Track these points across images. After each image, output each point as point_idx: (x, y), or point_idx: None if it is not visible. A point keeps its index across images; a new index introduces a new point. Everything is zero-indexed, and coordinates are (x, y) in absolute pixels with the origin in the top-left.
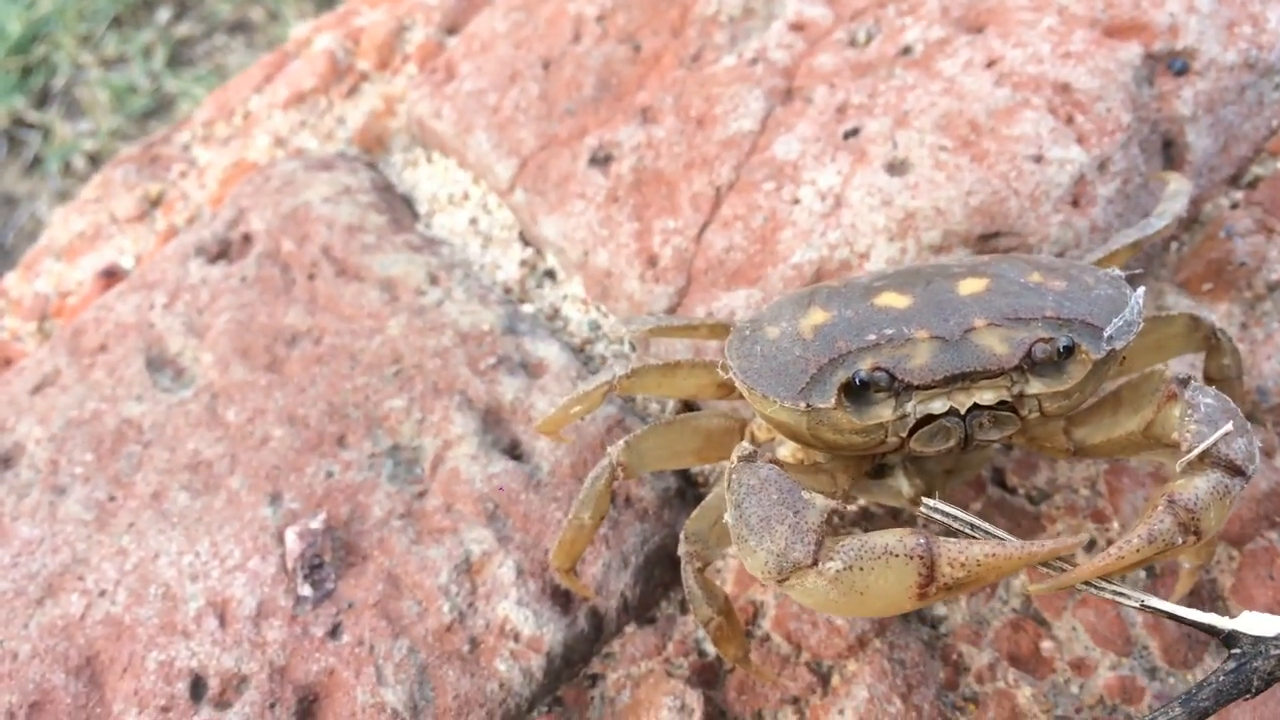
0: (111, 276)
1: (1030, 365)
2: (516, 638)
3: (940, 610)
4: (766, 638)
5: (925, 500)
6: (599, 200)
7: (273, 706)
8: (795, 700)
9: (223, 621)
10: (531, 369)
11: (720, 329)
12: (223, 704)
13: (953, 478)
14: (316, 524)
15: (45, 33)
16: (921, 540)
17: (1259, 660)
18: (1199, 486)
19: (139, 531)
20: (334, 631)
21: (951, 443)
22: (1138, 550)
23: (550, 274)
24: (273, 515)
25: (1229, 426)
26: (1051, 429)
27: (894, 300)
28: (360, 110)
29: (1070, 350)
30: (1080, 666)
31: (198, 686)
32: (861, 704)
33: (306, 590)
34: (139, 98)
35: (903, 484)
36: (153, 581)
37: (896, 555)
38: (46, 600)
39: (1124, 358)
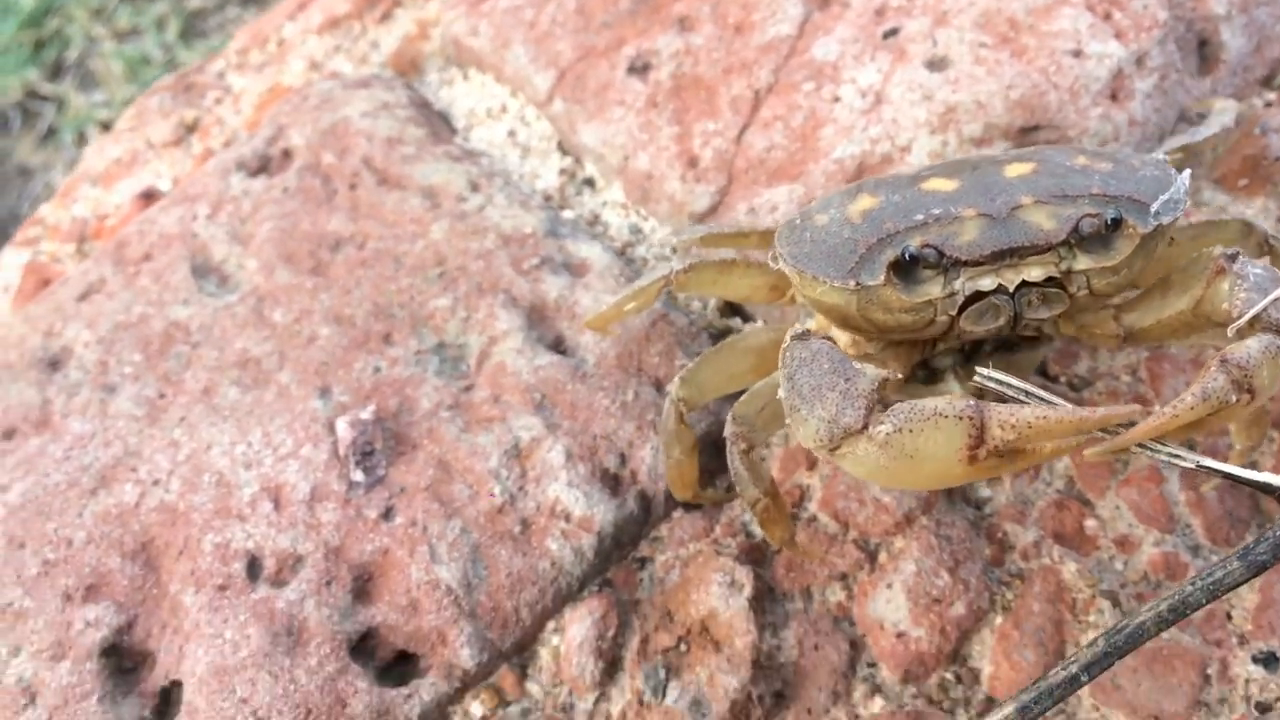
0: (149, 199)
1: (1078, 240)
2: (567, 518)
3: (985, 491)
4: (813, 519)
5: (979, 369)
6: (638, 106)
7: (329, 584)
8: (843, 576)
9: (277, 505)
10: (574, 269)
11: (770, 235)
12: (279, 582)
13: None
14: (366, 415)
15: (58, 6)
16: (972, 402)
17: None
18: (1251, 346)
19: (190, 424)
20: (387, 514)
21: (1001, 321)
22: (1192, 409)
23: (589, 182)
24: (323, 407)
25: (1279, 292)
26: (1101, 315)
27: (941, 185)
28: (394, 35)
29: (1117, 224)
30: (1124, 544)
31: (254, 566)
32: (909, 578)
33: (359, 476)
34: (153, 68)
35: (954, 387)
36: (206, 470)
37: (946, 416)
38: (100, 490)
39: (1171, 238)
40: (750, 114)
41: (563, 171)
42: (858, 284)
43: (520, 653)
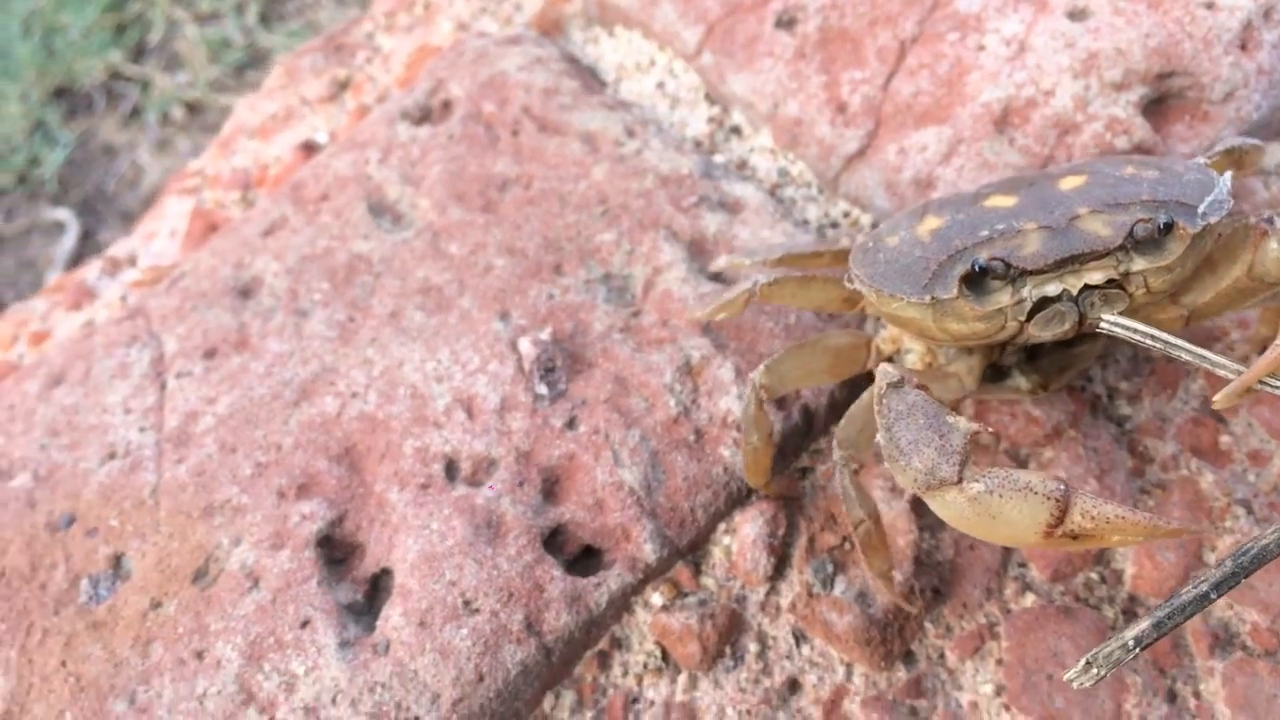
0: (309, 150)
1: (1133, 244)
2: (738, 428)
3: (1125, 409)
4: None
5: (1105, 317)
6: (787, 57)
7: (521, 484)
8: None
9: (470, 414)
10: (730, 207)
11: (842, 254)
12: (475, 483)
13: (1064, 373)
14: (545, 335)
15: None
16: (1061, 486)
17: None
18: None
19: (381, 344)
20: (571, 423)
21: (1067, 325)
22: None
23: (736, 130)
24: (504, 329)
25: None
26: (1161, 303)
27: (1001, 201)
28: None
29: (1169, 226)
30: (1256, 457)
31: (451, 468)
32: None
33: (543, 389)
34: (234, 51)
35: (1020, 381)
36: (400, 384)
37: (1036, 492)
38: (302, 402)
39: (1219, 234)
40: (896, 63)
41: (710, 120)
42: (933, 298)
43: (694, 551)
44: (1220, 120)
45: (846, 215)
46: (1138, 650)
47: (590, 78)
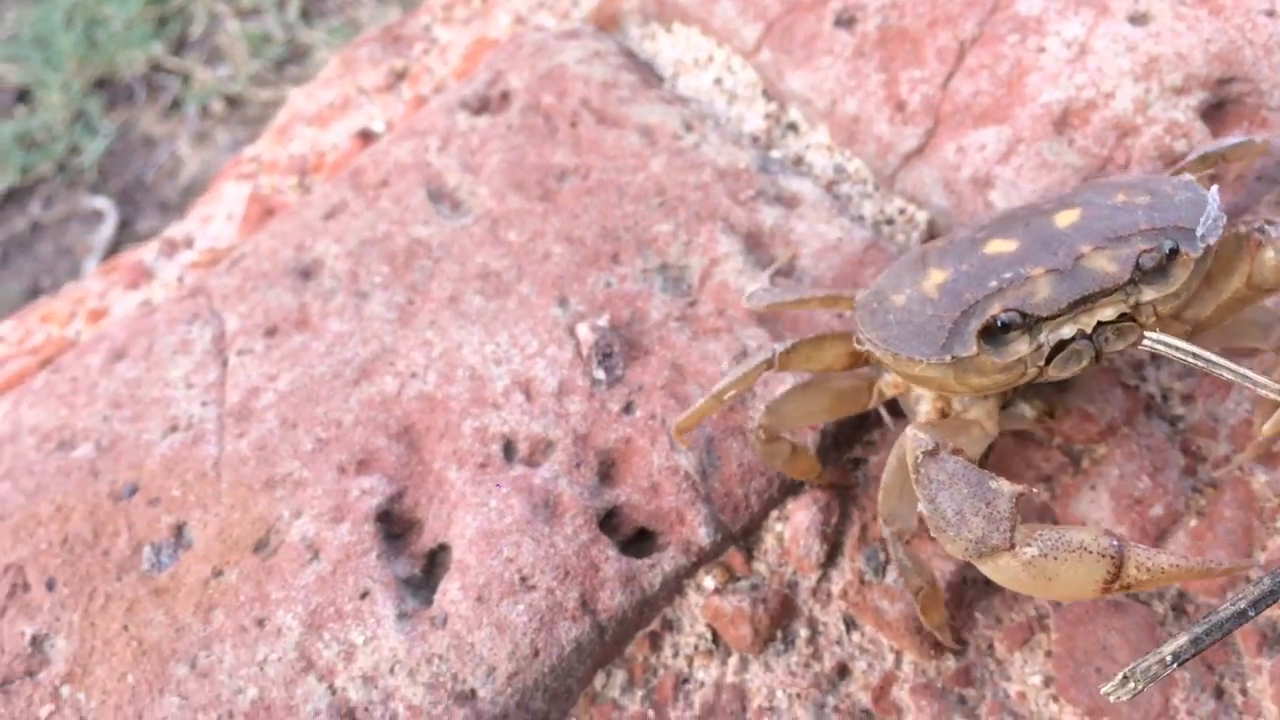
0: (366, 137)
1: (1140, 276)
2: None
3: (1178, 409)
4: None
5: (1148, 334)
6: (846, 55)
7: (578, 466)
8: (1047, 479)
9: (528, 397)
10: (787, 201)
11: (835, 299)
12: (533, 463)
13: (1066, 395)
14: (603, 322)
15: None
16: (1115, 542)
17: None
18: None
19: (440, 327)
20: (627, 408)
21: (1085, 363)
22: None
23: (793, 126)
24: (562, 315)
25: None
26: (1165, 323)
27: (1002, 246)
28: None
29: (1174, 254)
30: None
31: (509, 449)
32: (1113, 480)
33: (600, 374)
34: (274, 46)
35: (1025, 409)
36: (459, 366)
37: (1090, 551)
38: (362, 381)
39: (1216, 252)
40: (956, 63)
41: (767, 116)
42: (954, 357)
43: (747, 536)
44: (1278, 126)
45: (902, 212)
46: (1175, 665)
47: (648, 72)
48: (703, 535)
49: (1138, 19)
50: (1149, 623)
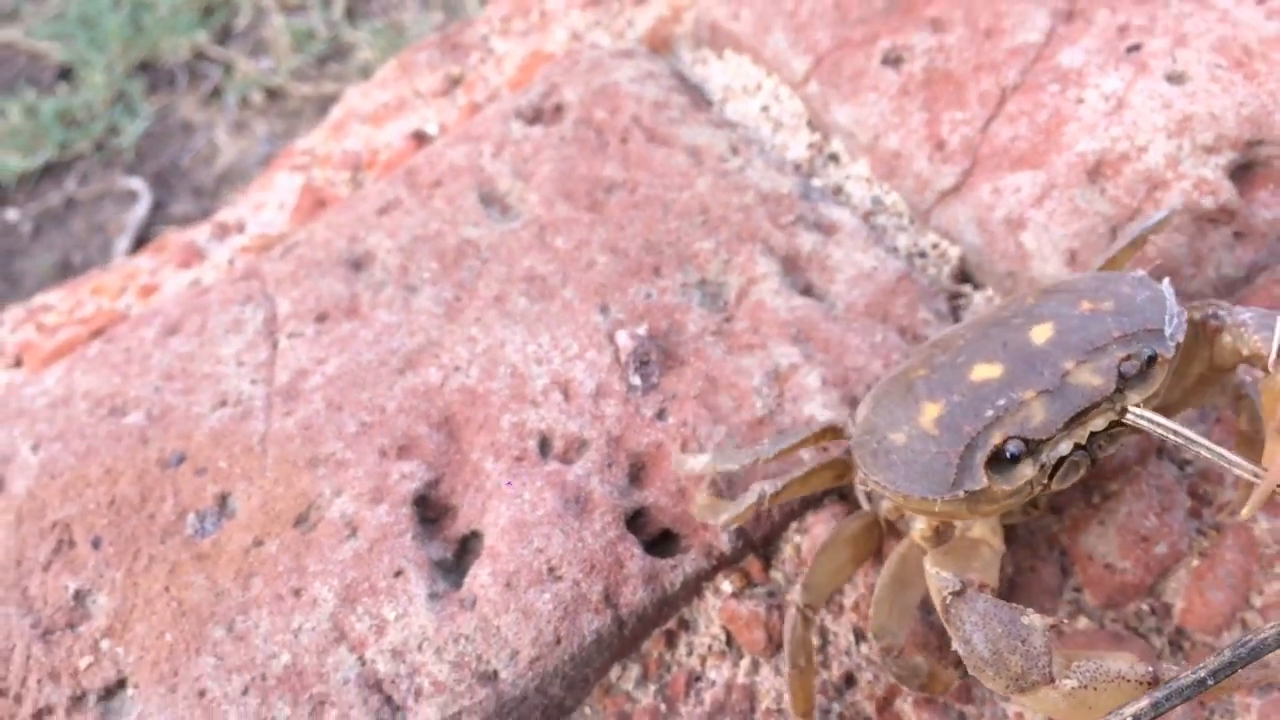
0: (420, 139)
1: (1124, 383)
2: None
3: (1187, 454)
4: None
5: (1131, 409)
6: (891, 93)
7: (610, 466)
8: (1058, 510)
9: (566, 396)
10: (825, 228)
11: (825, 434)
12: (567, 460)
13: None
14: (641, 331)
15: None
16: (1149, 670)
17: None
18: None
19: (485, 324)
20: (660, 414)
21: (1082, 472)
22: None
23: (834, 157)
24: (603, 321)
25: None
26: None
27: (988, 372)
28: (649, 15)
29: (1153, 360)
30: None
31: (545, 445)
32: (1121, 517)
33: (636, 380)
34: (317, 42)
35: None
36: (501, 363)
37: (1129, 680)
38: (407, 371)
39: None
40: (997, 108)
41: (810, 146)
42: (966, 492)
43: (766, 545)
44: None
45: (935, 246)
46: None
47: (698, 95)
48: (724, 541)
49: (1175, 78)
50: (1146, 655)
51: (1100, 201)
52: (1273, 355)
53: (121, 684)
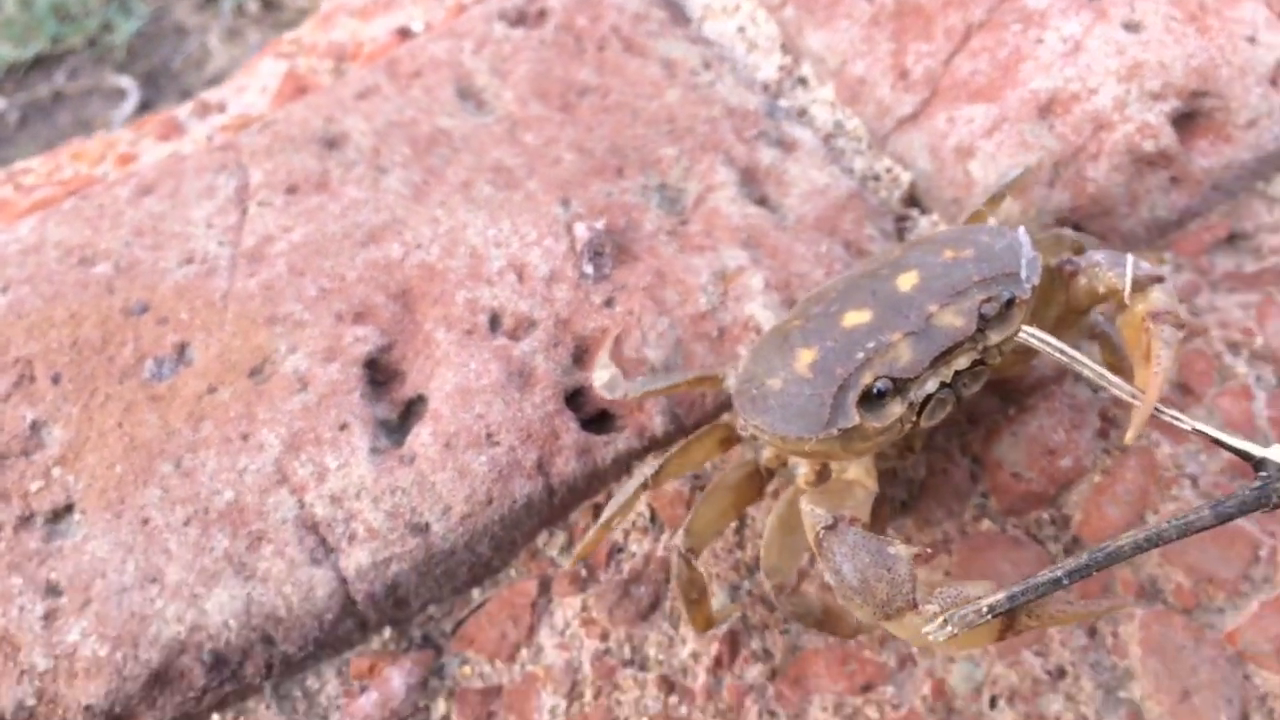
0: (405, 35)
1: (985, 324)
2: (758, 332)
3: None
4: None
5: (1025, 329)
6: (863, 21)
7: (555, 345)
8: (976, 420)
9: (520, 279)
10: (786, 145)
11: (705, 380)
12: (514, 337)
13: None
14: (599, 225)
15: None
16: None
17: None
18: (1158, 297)
19: (450, 208)
20: (609, 302)
21: (949, 408)
22: (1170, 363)
23: (803, 80)
24: (563, 213)
25: (1130, 258)
26: (1009, 357)
27: (859, 318)
28: None
29: (1011, 301)
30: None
31: (495, 321)
32: (1033, 429)
33: (589, 269)
34: None
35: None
36: (461, 243)
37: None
38: (370, 244)
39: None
40: (961, 43)
41: (781, 68)
42: (840, 430)
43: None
44: (1240, 144)
45: (889, 171)
46: (990, 616)
47: (678, 12)
48: (658, 424)
49: (1131, 26)
50: (1041, 560)
51: (1048, 137)
52: (1127, 289)
53: (69, 508)
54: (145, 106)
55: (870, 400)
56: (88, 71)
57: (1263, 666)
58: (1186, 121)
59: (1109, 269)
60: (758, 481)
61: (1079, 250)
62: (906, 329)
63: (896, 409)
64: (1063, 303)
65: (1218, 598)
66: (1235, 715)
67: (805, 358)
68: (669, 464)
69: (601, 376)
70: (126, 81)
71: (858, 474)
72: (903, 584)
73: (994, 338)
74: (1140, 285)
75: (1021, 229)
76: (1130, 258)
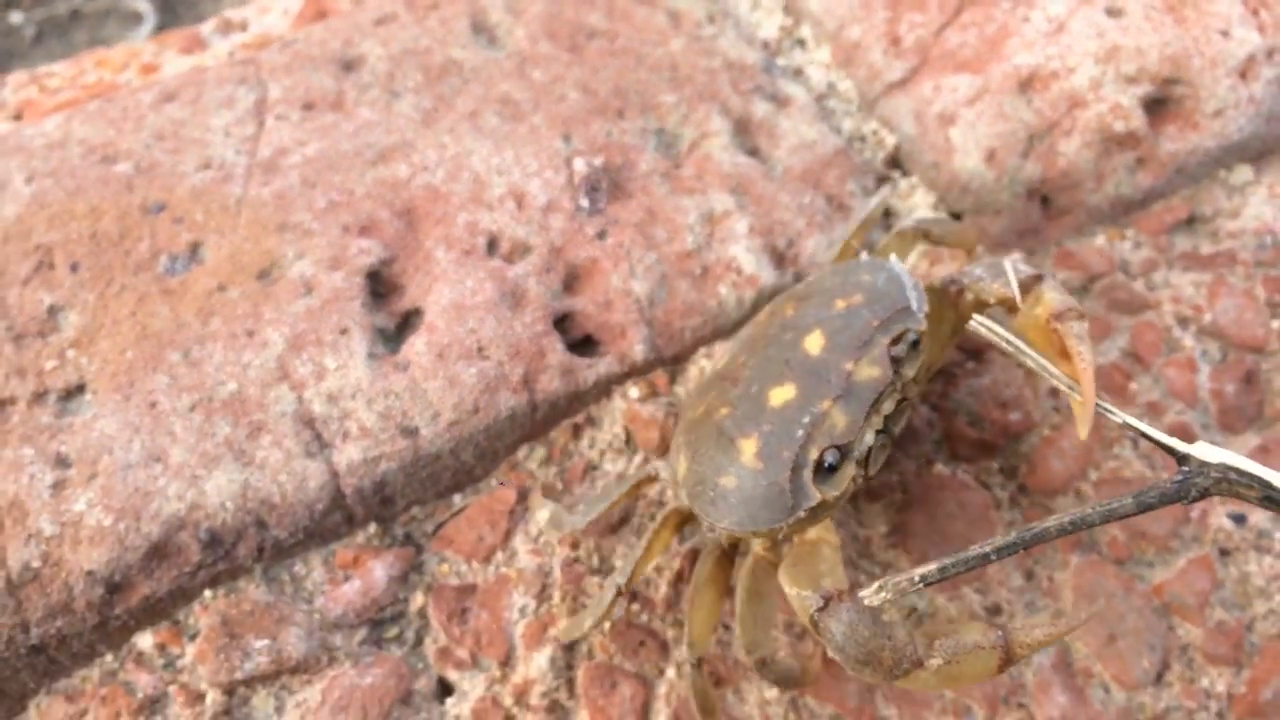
0: None
1: (898, 365)
2: (738, 272)
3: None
4: None
5: (976, 317)
6: None
7: (548, 271)
8: (943, 370)
9: (519, 205)
10: (780, 101)
11: (642, 483)
12: (510, 260)
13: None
14: (597, 162)
15: None
16: (999, 633)
17: (1199, 478)
18: (1050, 295)
19: (457, 135)
20: (601, 234)
21: (888, 450)
22: (1090, 353)
23: (801, 41)
24: (563, 148)
25: (1007, 262)
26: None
27: (784, 395)
28: None
29: (915, 342)
30: (1154, 407)
31: (493, 244)
32: (989, 383)
33: (585, 202)
34: None
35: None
36: (465, 169)
37: (983, 648)
38: (379, 164)
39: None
40: (953, 16)
41: (782, 28)
42: (807, 510)
43: (675, 363)
44: (1206, 131)
45: (875, 133)
46: (921, 585)
47: None
48: (639, 352)
49: (1113, 11)
50: (986, 504)
51: (1025, 110)
52: (1017, 295)
53: (81, 388)
54: (161, 30)
55: (823, 473)
56: None
57: (1185, 619)
58: (1157, 106)
59: (992, 280)
60: (726, 563)
61: (927, 236)
62: (833, 394)
63: (849, 471)
64: (953, 318)
65: (1149, 552)
66: (1157, 661)
67: (748, 449)
68: (637, 568)
69: (543, 516)
70: (143, 4)
71: (819, 533)
72: (905, 647)
73: (908, 374)
74: (1027, 287)
75: (893, 257)
76: (1008, 264)
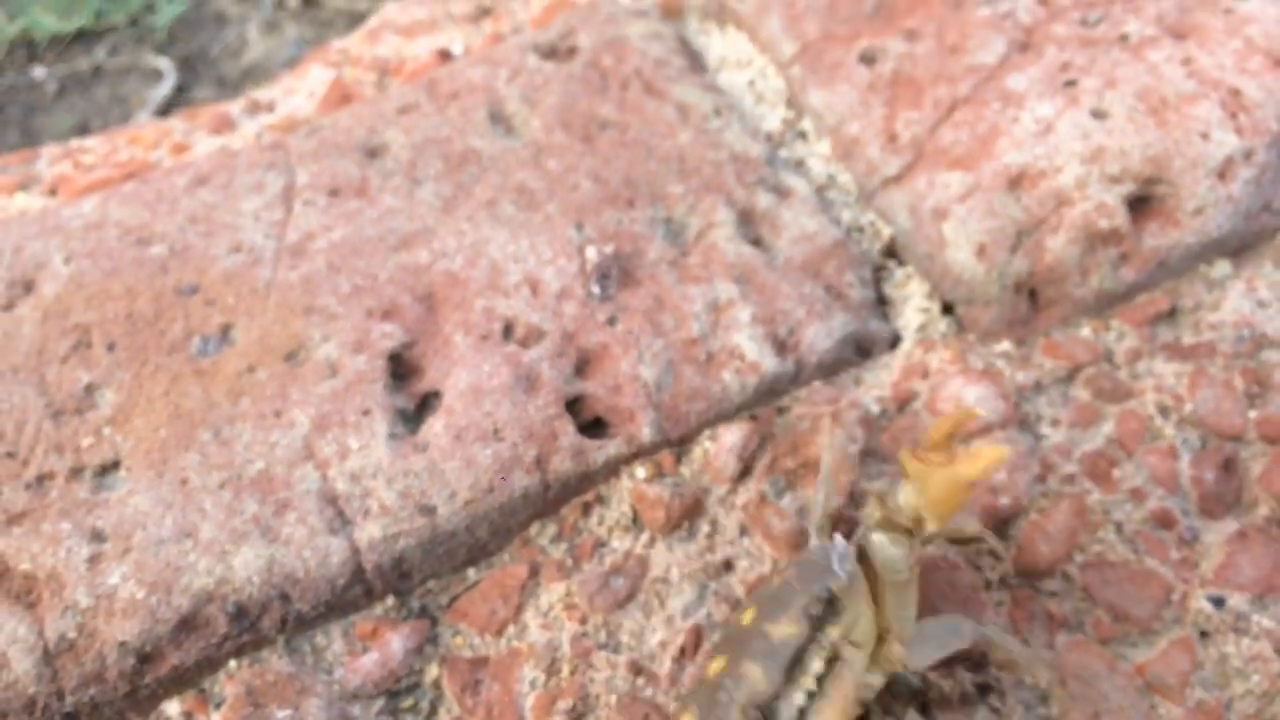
0: (445, 56)
1: (818, 622)
2: (742, 359)
3: (1046, 430)
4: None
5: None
6: (861, 86)
7: (560, 355)
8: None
9: (534, 292)
10: (782, 192)
11: None
12: (525, 345)
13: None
14: (608, 250)
15: None
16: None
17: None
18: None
19: (475, 222)
20: (611, 321)
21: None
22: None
23: (802, 134)
24: (576, 236)
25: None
26: (877, 646)
27: (718, 666)
28: None
29: (829, 595)
30: (1136, 494)
31: (509, 330)
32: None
33: (596, 289)
34: None
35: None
36: (483, 256)
37: None
38: (401, 250)
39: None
40: (946, 114)
41: (784, 121)
42: None
43: (681, 444)
44: (1187, 228)
45: (872, 224)
46: None
47: (696, 61)
48: (646, 434)
49: (1098, 114)
50: (976, 584)
51: (1014, 208)
52: (875, 516)
53: (116, 465)
54: (181, 90)
55: None
56: (128, 50)
57: (1166, 698)
58: (1140, 204)
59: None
60: None
61: (841, 519)
62: (754, 656)
63: None
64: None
65: (1132, 633)
66: None
67: None
68: None
69: None
70: (164, 63)
71: None
72: None
73: (834, 632)
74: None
75: (838, 536)
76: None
